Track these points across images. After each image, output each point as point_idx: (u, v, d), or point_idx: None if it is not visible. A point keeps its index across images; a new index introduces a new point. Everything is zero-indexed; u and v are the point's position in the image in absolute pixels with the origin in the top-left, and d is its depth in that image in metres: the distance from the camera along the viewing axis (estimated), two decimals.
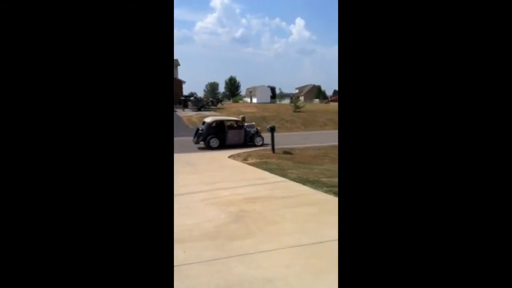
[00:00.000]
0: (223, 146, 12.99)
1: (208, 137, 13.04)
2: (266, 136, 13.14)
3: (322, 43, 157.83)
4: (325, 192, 5.33)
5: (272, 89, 45.97)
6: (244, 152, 11.23)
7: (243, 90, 61.85)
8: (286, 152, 11.69)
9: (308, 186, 5.82)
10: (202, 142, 13.06)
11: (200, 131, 13.36)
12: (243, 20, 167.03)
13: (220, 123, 13.61)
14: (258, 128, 14.94)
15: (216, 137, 13.11)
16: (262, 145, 13.74)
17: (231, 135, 13.39)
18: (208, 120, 14.01)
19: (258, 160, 9.62)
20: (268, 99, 42.18)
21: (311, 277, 2.70)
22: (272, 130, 11.92)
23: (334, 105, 38.05)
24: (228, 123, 13.68)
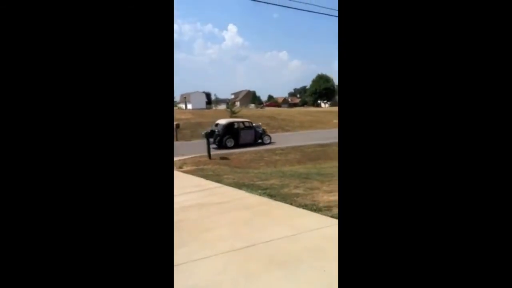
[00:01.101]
0: (237, 145, 14.08)
1: (225, 138, 14.09)
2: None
3: (256, 49, 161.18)
4: (260, 195, 5.42)
5: (207, 95, 45.75)
6: (179, 160, 10.98)
7: (177, 97, 60.57)
8: (223, 157, 11.67)
9: (244, 190, 5.87)
10: (218, 143, 13.85)
11: (217, 133, 14.12)
12: (175, 26, 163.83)
13: (234, 125, 14.72)
14: (265, 128, 16.20)
15: (232, 137, 14.25)
16: (270, 143, 15.08)
17: (244, 135, 14.63)
18: (222, 122, 14.84)
19: (194, 167, 9.47)
20: (204, 105, 41.84)
21: (244, 280, 2.71)
22: (207, 136, 11.83)
23: (269, 110, 38.96)
24: (241, 125, 14.89)
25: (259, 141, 15.04)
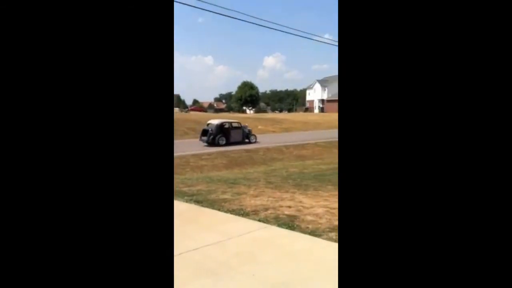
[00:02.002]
0: (227, 143, 15.76)
1: (217, 136, 15.66)
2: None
3: (180, 52, 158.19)
4: (186, 201, 5.28)
5: None
6: None
7: None
8: None
9: None
10: (211, 142, 15.35)
11: (210, 131, 15.66)
12: None
13: (225, 125, 16.36)
14: (250, 128, 17.95)
15: (224, 136, 15.86)
16: (255, 142, 16.88)
17: (234, 134, 16.31)
18: (215, 122, 16.42)
19: None
20: None
21: None
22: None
23: (194, 114, 38.39)
24: (231, 125, 16.55)
25: (246, 140, 16.87)
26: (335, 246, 3.35)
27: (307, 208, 4.74)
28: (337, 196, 4.49)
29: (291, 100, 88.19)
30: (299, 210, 4.61)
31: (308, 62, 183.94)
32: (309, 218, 4.25)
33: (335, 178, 7.69)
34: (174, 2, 1.34)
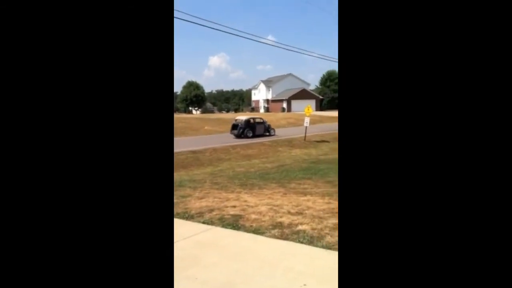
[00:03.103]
0: (253, 136, 18.87)
1: (245, 130, 18.73)
2: None
3: None
4: None
5: None
6: None
7: None
8: None
9: None
10: (242, 135, 18.24)
11: (240, 126, 18.61)
12: None
13: (251, 120, 19.62)
14: (269, 124, 20.91)
15: (250, 129, 18.96)
16: (274, 134, 20.11)
17: (258, 128, 19.47)
18: (242, 118, 19.62)
19: None
20: None
21: None
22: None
23: None
24: (255, 120, 19.95)
25: (267, 133, 20.10)
26: (277, 243, 3.47)
27: (252, 206, 4.83)
28: (280, 193, 4.64)
29: (238, 100, 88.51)
30: (243, 210, 4.68)
31: (253, 63, 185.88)
32: (253, 216, 4.33)
33: (278, 176, 7.91)
34: None
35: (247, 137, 18.63)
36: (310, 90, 52.52)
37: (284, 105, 47.50)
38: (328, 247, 3.27)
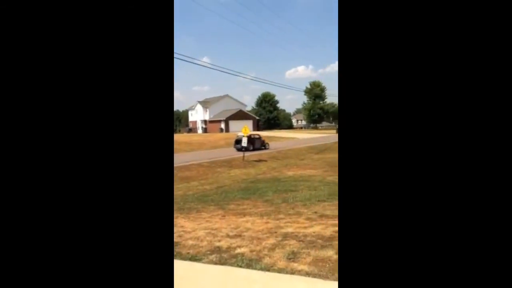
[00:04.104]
0: (253, 149, 21.81)
1: (248, 144, 20.51)
2: None
3: None
4: None
5: None
6: None
7: None
8: None
9: None
10: (243, 149, 19.73)
11: (243, 142, 20.26)
12: None
13: (251, 136, 22.21)
14: (264, 139, 24.58)
15: (251, 144, 21.56)
16: (268, 148, 23.61)
17: (257, 143, 22.99)
18: (245, 134, 21.90)
19: None
20: None
21: None
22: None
23: None
24: (254, 136, 23.33)
25: (263, 147, 23.54)
26: (215, 269, 3.35)
27: (189, 232, 4.65)
28: (219, 216, 4.53)
29: (175, 121, 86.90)
30: (180, 236, 4.47)
31: (189, 84, 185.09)
32: (190, 242, 4.16)
33: (217, 197, 7.78)
34: None
35: (248, 150, 21.37)
36: (247, 111, 53.50)
37: (222, 125, 47.66)
38: (266, 268, 3.23)
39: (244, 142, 20.76)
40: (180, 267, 3.50)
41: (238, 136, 23.21)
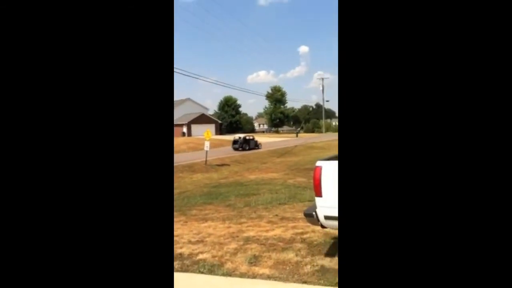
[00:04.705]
0: (249, 149, 24.71)
1: (243, 144, 24.69)
2: None
3: None
4: None
5: None
6: None
7: None
8: None
9: None
10: (240, 148, 24.12)
11: (240, 142, 24.85)
12: None
13: (246, 137, 26.05)
14: (257, 140, 27.04)
15: (246, 144, 25.02)
16: (261, 148, 25.71)
17: (251, 143, 25.60)
18: (241, 136, 26.56)
19: None
20: None
21: None
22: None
23: None
24: (249, 137, 26.37)
25: (256, 147, 25.74)
26: (176, 276, 3.31)
27: None
28: (181, 222, 4.47)
29: None
30: None
31: None
32: None
33: (180, 203, 7.67)
34: None
35: (244, 149, 24.53)
36: (209, 114, 53.15)
37: (184, 129, 46.95)
38: (228, 274, 3.26)
39: (240, 142, 25.45)
40: None
41: (235, 137, 27.50)
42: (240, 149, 24.40)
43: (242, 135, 27.86)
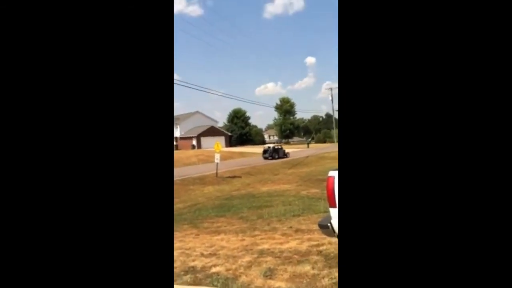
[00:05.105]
0: (278, 158, 27.12)
1: (273, 154, 27.28)
2: None
3: None
4: None
5: None
6: None
7: None
8: None
9: None
10: (270, 157, 26.82)
11: (270, 151, 27.54)
12: None
13: (276, 147, 28.79)
14: (285, 149, 29.68)
15: (276, 153, 27.64)
16: (289, 157, 28.25)
17: (280, 152, 28.10)
18: (271, 145, 29.53)
19: None
20: None
21: None
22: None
23: None
24: (278, 147, 29.31)
25: (284, 156, 28.01)
26: None
27: None
28: (192, 235, 4.39)
29: None
30: None
31: None
32: None
33: (191, 216, 7.60)
34: None
35: (274, 158, 26.93)
36: (219, 127, 53.41)
37: (194, 142, 47.18)
38: (243, 287, 3.15)
39: (270, 152, 28.06)
40: None
41: (264, 148, 30.30)
42: (270, 158, 27.04)
43: (271, 145, 30.82)
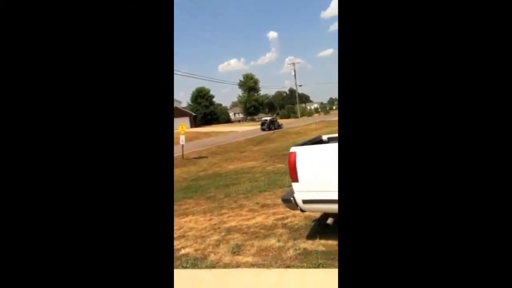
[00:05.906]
0: (274, 128, 31.75)
1: (270, 125, 31.87)
2: None
3: None
4: None
5: None
6: None
7: None
8: None
9: None
10: (267, 128, 31.10)
11: (267, 123, 32.25)
12: None
13: (272, 119, 34.18)
14: (279, 122, 35.15)
15: (273, 125, 32.25)
16: (283, 128, 32.49)
17: (275, 124, 33.03)
18: (268, 118, 35.25)
19: None
20: None
21: None
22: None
23: None
24: (273, 119, 34.59)
25: (279, 128, 31.95)
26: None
27: None
28: None
29: None
30: None
31: None
32: None
33: None
34: None
35: (271, 129, 30.48)
36: (182, 107, 52.37)
37: None
38: (212, 266, 3.25)
39: (267, 124, 32.20)
40: None
41: (262, 120, 35.74)
42: (267, 129, 31.05)
43: (268, 118, 36.19)
